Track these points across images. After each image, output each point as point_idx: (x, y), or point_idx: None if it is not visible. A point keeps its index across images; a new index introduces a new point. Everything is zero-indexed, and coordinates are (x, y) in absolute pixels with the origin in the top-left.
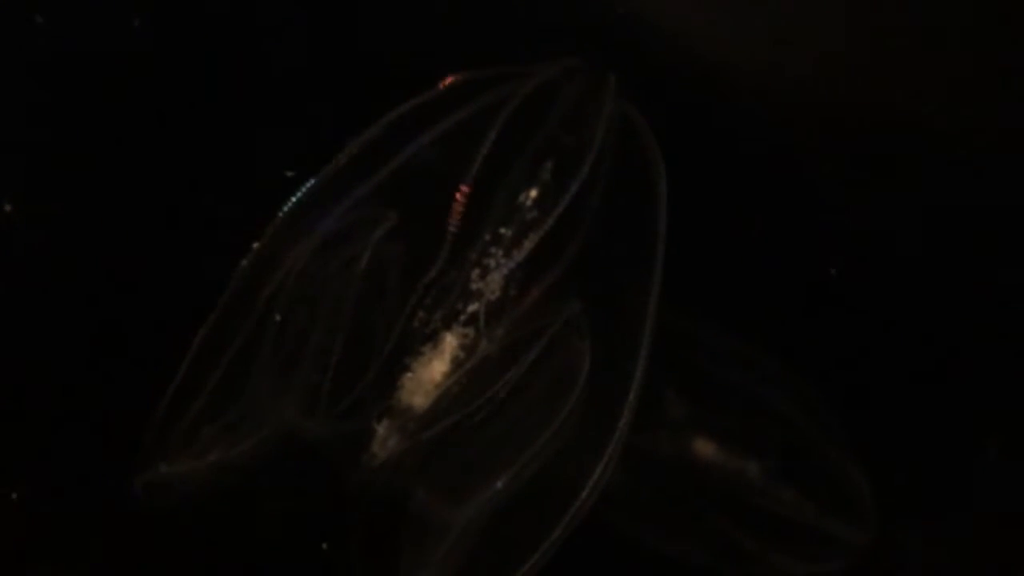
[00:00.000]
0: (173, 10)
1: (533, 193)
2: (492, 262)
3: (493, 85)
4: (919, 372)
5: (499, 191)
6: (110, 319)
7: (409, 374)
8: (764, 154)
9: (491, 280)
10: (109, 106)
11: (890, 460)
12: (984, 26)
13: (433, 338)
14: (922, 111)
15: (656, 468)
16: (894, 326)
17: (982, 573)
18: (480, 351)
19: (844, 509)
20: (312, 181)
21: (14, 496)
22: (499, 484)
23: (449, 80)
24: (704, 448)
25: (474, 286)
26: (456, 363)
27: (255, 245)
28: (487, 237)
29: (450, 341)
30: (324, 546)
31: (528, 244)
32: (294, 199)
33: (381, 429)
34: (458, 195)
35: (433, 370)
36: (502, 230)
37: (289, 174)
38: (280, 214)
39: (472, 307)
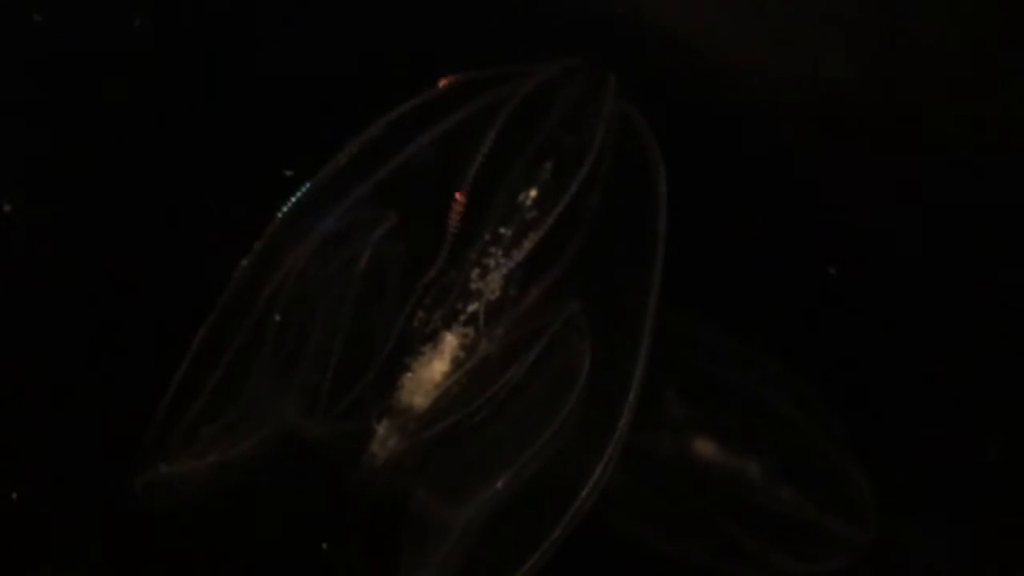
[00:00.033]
0: (173, 10)
1: (533, 193)
2: (492, 262)
3: (493, 85)
4: (919, 372)
5: (499, 191)
6: (110, 319)
7: (409, 374)
8: (764, 154)
9: (491, 280)
10: (109, 106)
11: (890, 460)
12: (984, 26)
13: (433, 338)
14: (922, 111)
15: (656, 468)
16: (894, 326)
17: (982, 573)
18: (480, 351)
19: (844, 508)
20: (312, 181)
21: (14, 496)
22: (499, 484)
23: (449, 80)
24: (704, 448)
25: (474, 286)
26: (456, 363)
27: (255, 245)
28: (487, 237)
29: (450, 341)
30: (324, 546)
31: (528, 244)
32: (294, 199)
33: (381, 429)
34: (458, 195)
35: (433, 370)
36: (502, 230)
37: (289, 174)
38: (280, 214)
39: (472, 307)
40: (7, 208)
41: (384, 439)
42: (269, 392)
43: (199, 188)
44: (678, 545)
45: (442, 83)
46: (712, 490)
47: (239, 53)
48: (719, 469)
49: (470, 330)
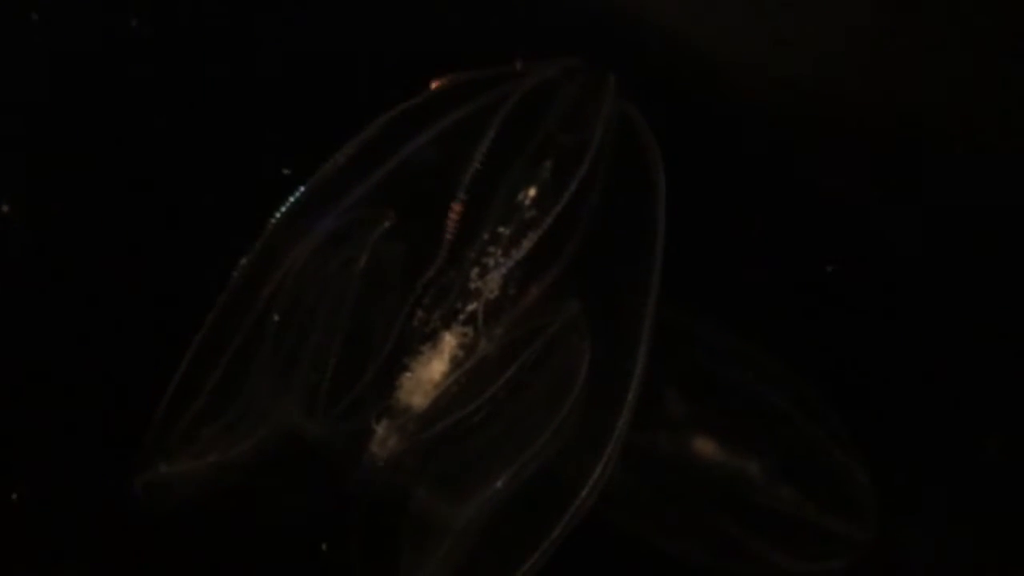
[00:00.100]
0: (173, 10)
1: (532, 192)
2: (491, 261)
3: (493, 85)
4: (919, 372)
5: (498, 190)
6: (110, 319)
7: (408, 374)
8: (764, 154)
9: (490, 279)
10: (108, 106)
11: (890, 460)
12: (984, 26)
13: (432, 338)
14: (922, 111)
15: (656, 467)
16: (894, 326)
17: (982, 573)
18: (479, 350)
19: (844, 508)
20: (311, 181)
21: (14, 496)
22: (499, 484)
23: (447, 80)
24: (704, 447)
25: (473, 285)
26: (455, 363)
27: (254, 245)
28: (486, 236)
29: (449, 340)
30: (324, 546)
31: (527, 243)
32: (293, 199)
33: (380, 429)
34: (458, 196)
35: (432, 370)
36: (501, 229)
37: (287, 173)
38: (279, 214)
39: (471, 306)
40: (5, 208)
41: (384, 439)
42: (269, 392)
43: (199, 188)
44: (678, 544)
45: (434, 84)
46: (712, 489)
47: (238, 53)
48: (719, 468)
49: (469, 330)
